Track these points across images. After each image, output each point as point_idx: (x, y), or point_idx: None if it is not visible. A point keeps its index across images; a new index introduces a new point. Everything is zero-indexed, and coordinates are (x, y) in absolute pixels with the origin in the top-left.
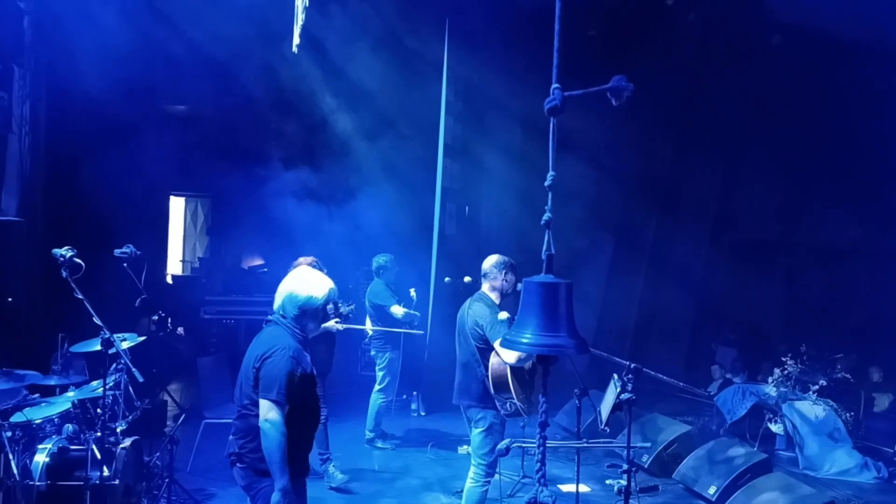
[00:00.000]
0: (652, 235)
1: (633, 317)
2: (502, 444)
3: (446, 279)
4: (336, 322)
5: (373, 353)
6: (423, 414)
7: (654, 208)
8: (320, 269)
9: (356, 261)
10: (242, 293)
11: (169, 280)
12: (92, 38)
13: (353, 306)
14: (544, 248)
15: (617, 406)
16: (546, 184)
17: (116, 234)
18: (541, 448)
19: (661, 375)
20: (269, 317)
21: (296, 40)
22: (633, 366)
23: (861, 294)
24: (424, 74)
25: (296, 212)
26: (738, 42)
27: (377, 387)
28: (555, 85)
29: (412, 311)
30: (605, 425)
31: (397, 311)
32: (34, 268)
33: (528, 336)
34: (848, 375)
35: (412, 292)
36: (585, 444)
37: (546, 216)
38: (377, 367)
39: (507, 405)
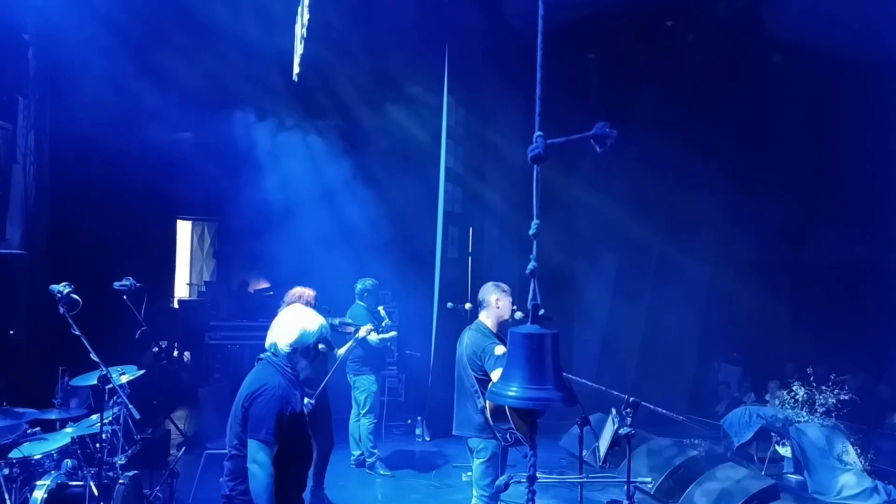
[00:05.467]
0: (656, 256)
1: (638, 337)
2: (501, 480)
3: (448, 304)
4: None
5: (351, 377)
6: (427, 439)
7: (658, 228)
8: (315, 305)
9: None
10: (248, 318)
11: (175, 305)
12: (96, 67)
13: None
14: (530, 297)
15: (615, 442)
16: (530, 232)
17: (123, 261)
18: (530, 503)
19: (660, 409)
20: (261, 355)
21: (296, 69)
22: (631, 399)
23: (868, 312)
24: (425, 99)
25: (299, 235)
26: (740, 61)
27: (362, 411)
28: (537, 133)
29: (385, 337)
30: (604, 462)
31: (373, 337)
32: (37, 300)
33: (515, 389)
34: (856, 397)
35: (381, 310)
36: (585, 480)
37: (531, 265)
38: (356, 392)
39: (508, 435)
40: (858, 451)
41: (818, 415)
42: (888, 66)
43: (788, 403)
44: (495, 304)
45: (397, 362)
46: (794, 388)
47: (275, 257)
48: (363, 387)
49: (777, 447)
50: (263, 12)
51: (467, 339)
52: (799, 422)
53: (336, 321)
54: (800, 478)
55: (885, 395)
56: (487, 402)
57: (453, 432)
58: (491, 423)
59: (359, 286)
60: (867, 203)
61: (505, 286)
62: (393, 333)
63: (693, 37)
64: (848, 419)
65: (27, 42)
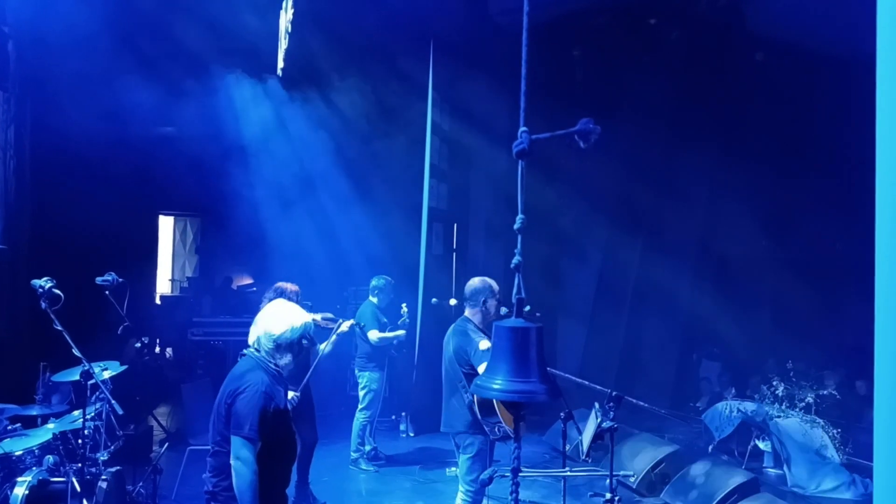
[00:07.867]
0: (640, 251)
1: (621, 334)
2: (485, 474)
3: (433, 300)
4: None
5: (357, 372)
6: (411, 435)
7: (641, 224)
8: (298, 301)
9: (344, 281)
10: (231, 314)
11: (158, 300)
12: (77, 61)
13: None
14: (514, 291)
15: (598, 435)
16: (515, 227)
17: (105, 257)
18: (514, 494)
19: (642, 403)
20: (245, 350)
21: (280, 63)
22: (614, 394)
23: (847, 308)
24: (409, 95)
25: (283, 231)
26: (723, 57)
27: (360, 406)
28: (522, 128)
29: (387, 335)
30: (587, 456)
31: (373, 335)
32: (18, 295)
33: (499, 382)
34: (835, 392)
35: (404, 308)
36: (568, 473)
37: (516, 260)
38: (360, 388)
39: (496, 429)
40: (837, 445)
41: (798, 410)
42: (869, 62)
43: (768, 399)
44: (483, 304)
45: None
46: (775, 383)
47: (258, 253)
48: (364, 383)
49: (757, 442)
50: (248, 5)
51: (454, 334)
52: (779, 417)
53: (318, 316)
54: (779, 472)
55: (863, 390)
56: (475, 396)
57: (441, 429)
58: (479, 417)
59: (372, 283)
60: (847, 199)
61: (496, 286)
62: (400, 332)
63: (677, 33)
64: (827, 414)
65: (6, 34)
